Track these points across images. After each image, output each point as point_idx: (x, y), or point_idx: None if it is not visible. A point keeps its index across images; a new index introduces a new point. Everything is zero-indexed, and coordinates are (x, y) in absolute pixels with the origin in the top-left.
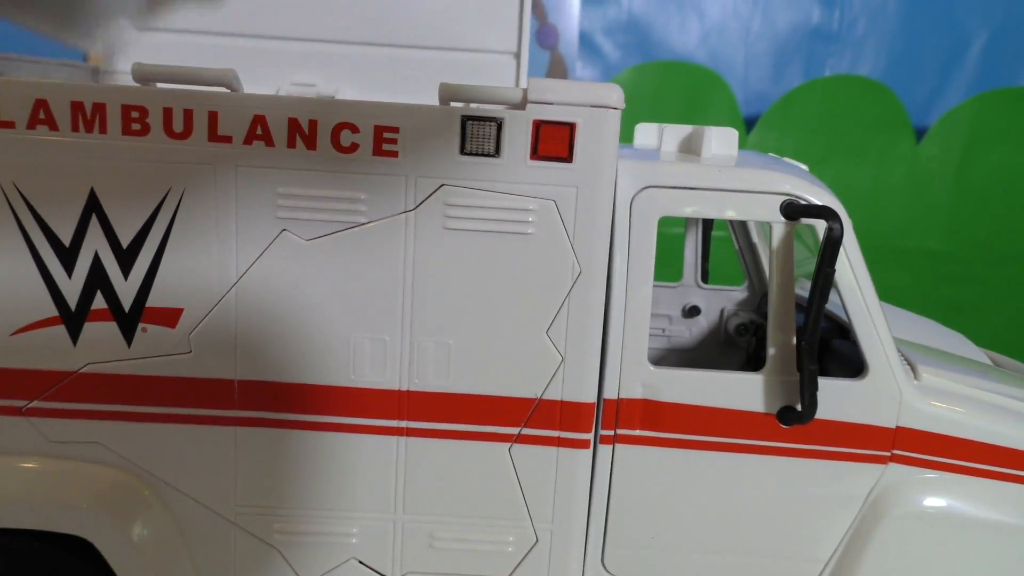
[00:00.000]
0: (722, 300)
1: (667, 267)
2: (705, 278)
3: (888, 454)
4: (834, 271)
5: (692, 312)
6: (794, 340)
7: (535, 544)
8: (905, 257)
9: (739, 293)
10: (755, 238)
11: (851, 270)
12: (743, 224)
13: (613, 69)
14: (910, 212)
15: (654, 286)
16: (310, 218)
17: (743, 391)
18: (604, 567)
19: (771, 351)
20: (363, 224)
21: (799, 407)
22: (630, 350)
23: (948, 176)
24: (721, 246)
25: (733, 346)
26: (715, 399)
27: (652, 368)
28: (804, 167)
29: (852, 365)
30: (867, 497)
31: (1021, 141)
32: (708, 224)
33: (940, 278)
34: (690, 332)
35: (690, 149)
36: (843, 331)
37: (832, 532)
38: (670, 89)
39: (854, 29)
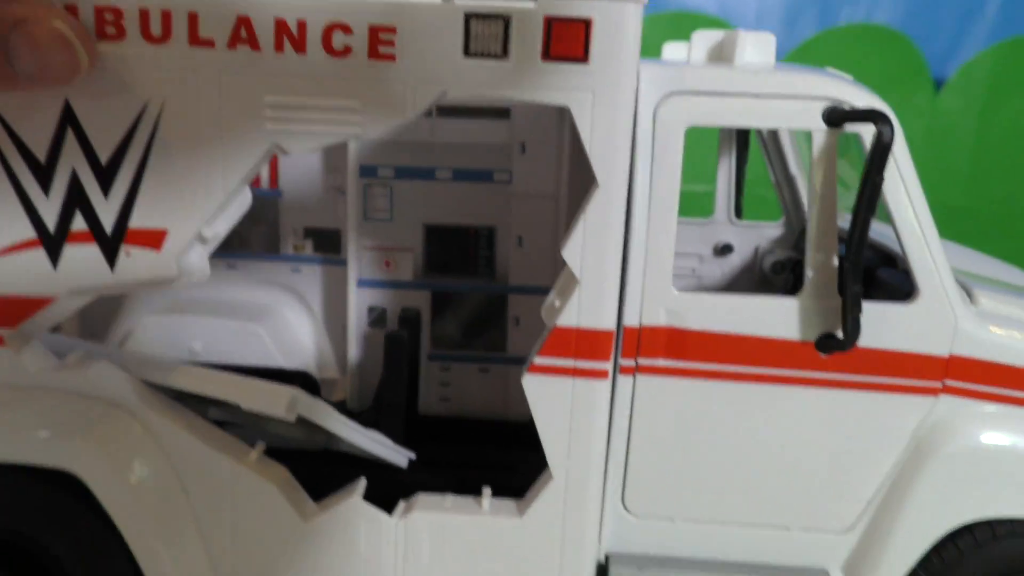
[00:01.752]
0: (756, 237)
1: None
2: (739, 213)
3: (939, 385)
4: (883, 180)
5: (724, 250)
6: (836, 261)
7: (550, 482)
8: None
9: (775, 229)
10: (794, 169)
11: (902, 182)
12: (780, 154)
13: None
14: (929, 167)
15: (683, 222)
16: (301, 130)
17: (778, 317)
18: (624, 506)
19: (810, 273)
20: (358, 136)
21: (840, 333)
22: (653, 273)
23: (968, 129)
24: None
25: (768, 286)
26: (746, 326)
27: (677, 293)
28: (849, 77)
29: (900, 294)
30: (915, 432)
31: None
32: (742, 154)
33: (960, 235)
34: (722, 271)
35: (721, 56)
36: (889, 260)
37: (875, 471)
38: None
39: None
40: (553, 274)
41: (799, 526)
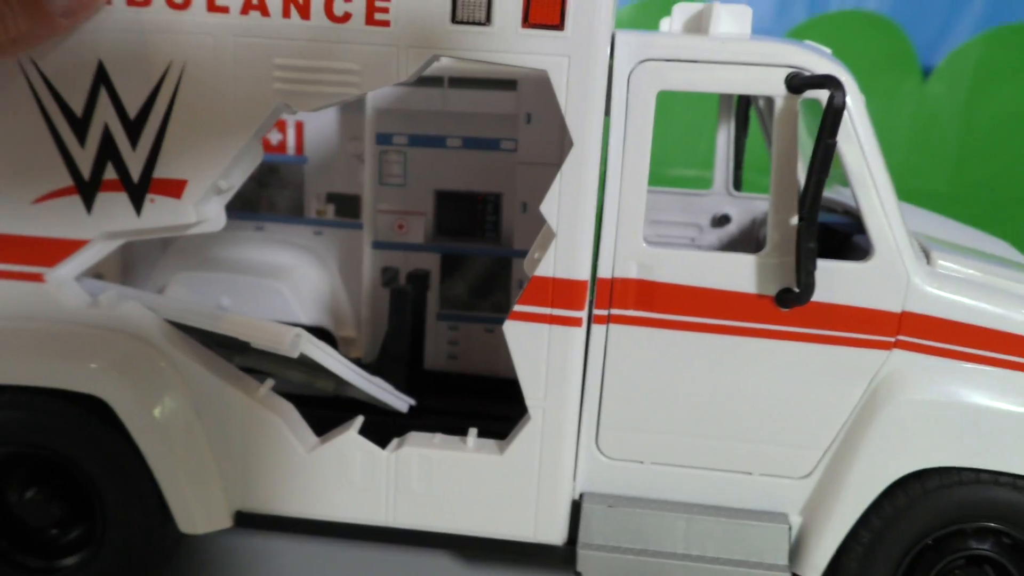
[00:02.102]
0: (755, 208)
1: None
2: (738, 185)
3: (892, 340)
4: (835, 142)
5: (722, 221)
6: (794, 221)
7: (528, 421)
8: (911, 199)
9: None
10: None
11: (858, 144)
12: None
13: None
14: (916, 153)
15: (683, 194)
16: (307, 90)
17: (741, 272)
18: (598, 448)
19: (771, 232)
20: (356, 96)
21: (796, 289)
22: (625, 228)
23: (955, 116)
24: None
25: None
26: (711, 280)
27: (647, 247)
28: (828, 51)
29: (861, 253)
30: (869, 384)
31: None
32: (741, 128)
33: None
34: (720, 242)
35: (698, 27)
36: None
37: (832, 419)
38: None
39: None
40: None
41: (760, 471)
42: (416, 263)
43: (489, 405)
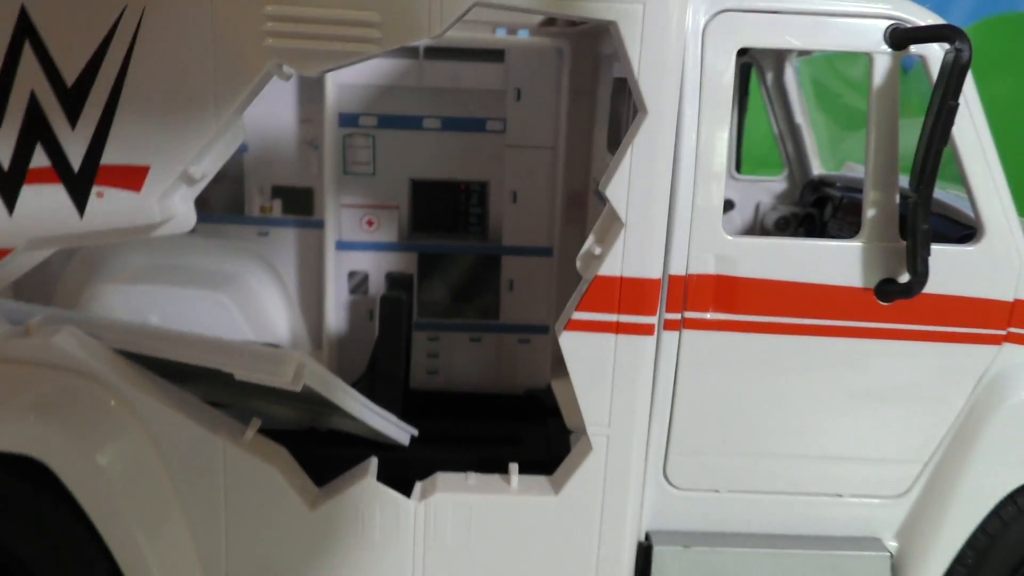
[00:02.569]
0: (758, 193)
1: None
2: (738, 167)
3: (1003, 332)
4: (958, 104)
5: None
6: (897, 199)
7: (588, 453)
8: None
9: (777, 184)
10: (799, 118)
11: (968, 110)
12: (784, 102)
13: None
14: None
15: None
16: (309, 47)
17: (835, 263)
18: (666, 478)
19: (869, 213)
20: (374, 54)
21: (901, 279)
22: (702, 215)
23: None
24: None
25: None
26: (801, 273)
27: (728, 237)
28: None
29: (944, 239)
30: (976, 384)
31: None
32: (741, 105)
33: None
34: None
35: None
36: None
37: (934, 428)
38: None
39: None
40: (551, 233)
41: (851, 492)
42: (389, 264)
43: (488, 426)
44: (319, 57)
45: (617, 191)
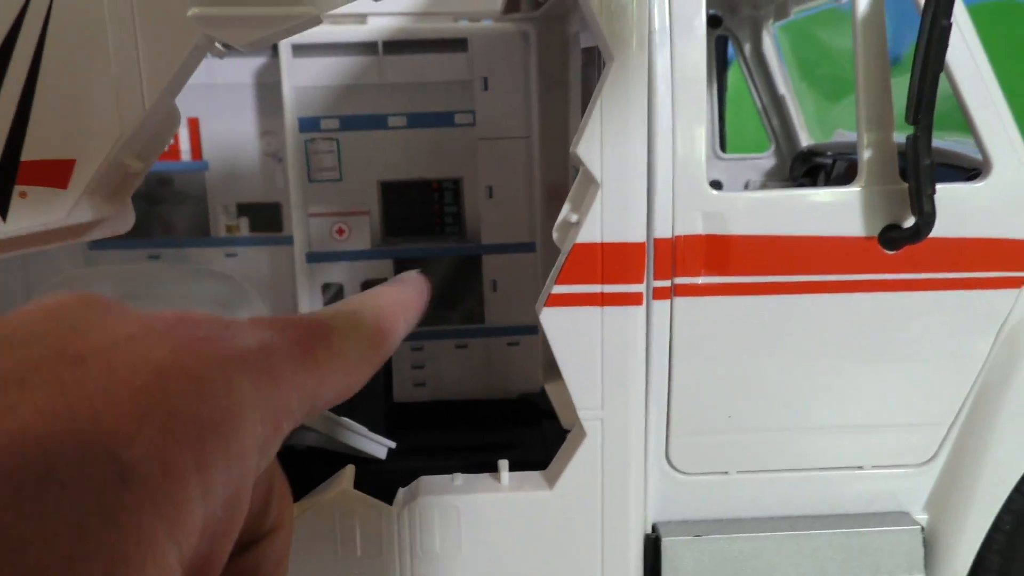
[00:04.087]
0: (746, 170)
1: None
2: (723, 146)
3: (1022, 274)
4: (951, 25)
5: (712, 187)
6: (894, 139)
7: (581, 438)
8: None
9: (765, 160)
10: (782, 89)
11: (961, 34)
12: (765, 73)
13: None
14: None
15: None
16: (236, 15)
17: (833, 212)
18: (669, 462)
19: (866, 155)
20: (311, 19)
21: (906, 224)
22: (684, 170)
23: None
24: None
25: None
26: (797, 226)
27: (714, 192)
28: None
29: (952, 178)
30: (998, 333)
31: (1017, 56)
32: (722, 80)
33: None
34: None
35: None
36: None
37: (956, 386)
38: None
39: None
40: (531, 228)
41: (872, 463)
42: (364, 273)
43: (481, 433)
44: (251, 24)
45: (589, 150)
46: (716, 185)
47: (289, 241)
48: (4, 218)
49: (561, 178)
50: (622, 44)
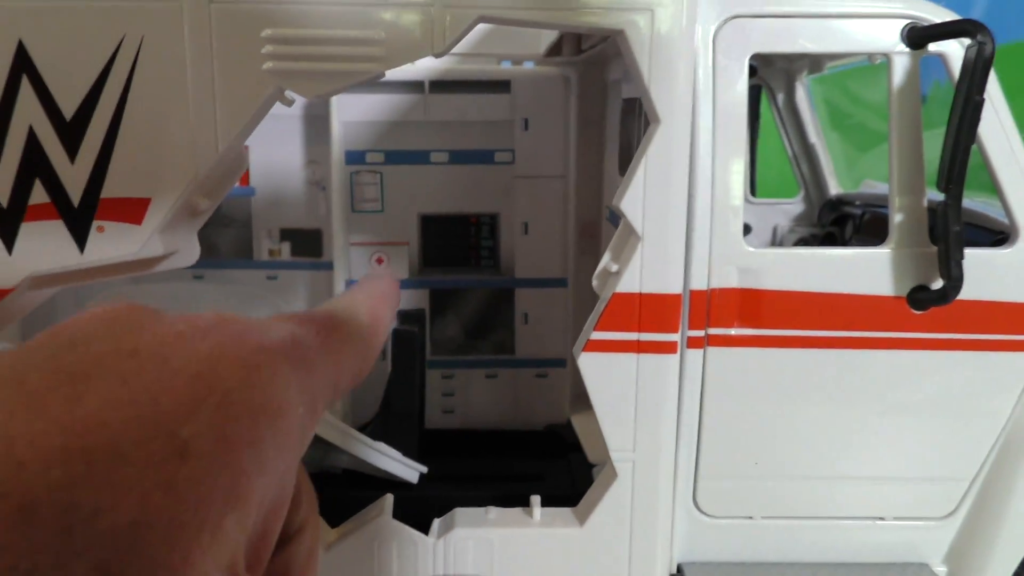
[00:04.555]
0: (775, 215)
1: None
2: (753, 191)
3: None
4: (983, 100)
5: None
6: (925, 203)
7: (613, 481)
8: None
9: (794, 206)
10: (813, 138)
11: (993, 107)
12: (797, 122)
13: None
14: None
15: None
16: (310, 69)
17: (864, 271)
18: (696, 506)
19: (897, 218)
20: (378, 75)
21: (934, 286)
22: (722, 226)
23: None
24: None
25: None
26: (828, 283)
27: (750, 249)
28: None
29: (976, 245)
30: (1021, 394)
31: None
32: (753, 127)
33: None
34: None
35: None
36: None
37: (979, 443)
38: None
39: None
40: (564, 264)
41: (894, 515)
42: (402, 302)
43: (510, 463)
44: (321, 78)
45: (632, 204)
46: (746, 229)
47: (329, 266)
48: (82, 250)
49: (594, 215)
50: (669, 108)
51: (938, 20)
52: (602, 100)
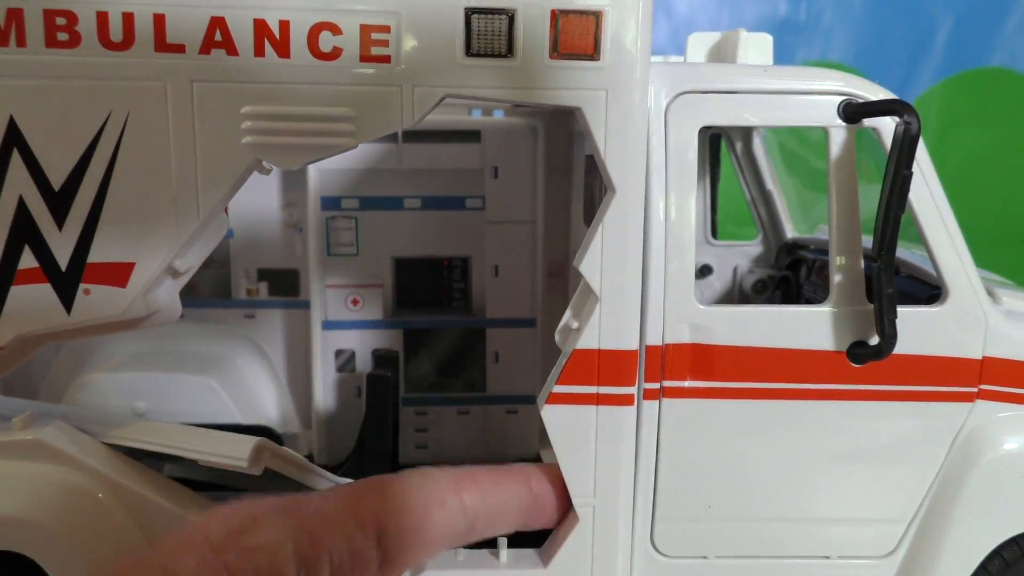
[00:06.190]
0: (735, 257)
1: None
2: (714, 233)
3: (975, 390)
4: (911, 174)
5: (703, 272)
6: (862, 264)
7: (575, 524)
8: None
9: (753, 248)
10: (769, 185)
11: (923, 177)
12: (754, 168)
13: None
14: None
15: None
16: (286, 143)
17: (807, 328)
18: (654, 546)
19: (837, 279)
20: (350, 147)
21: (872, 341)
22: (674, 286)
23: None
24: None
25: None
26: (774, 338)
27: (701, 307)
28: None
29: (913, 300)
30: (953, 441)
31: (992, 122)
32: (714, 173)
33: None
34: (702, 295)
35: (721, 57)
36: None
37: (915, 487)
38: None
39: (821, 19)
40: (533, 304)
41: (839, 554)
42: (375, 342)
43: None
44: (296, 152)
45: (591, 267)
46: (707, 270)
47: (305, 305)
48: (69, 312)
49: (561, 256)
50: (623, 179)
51: (873, 97)
52: (568, 149)
